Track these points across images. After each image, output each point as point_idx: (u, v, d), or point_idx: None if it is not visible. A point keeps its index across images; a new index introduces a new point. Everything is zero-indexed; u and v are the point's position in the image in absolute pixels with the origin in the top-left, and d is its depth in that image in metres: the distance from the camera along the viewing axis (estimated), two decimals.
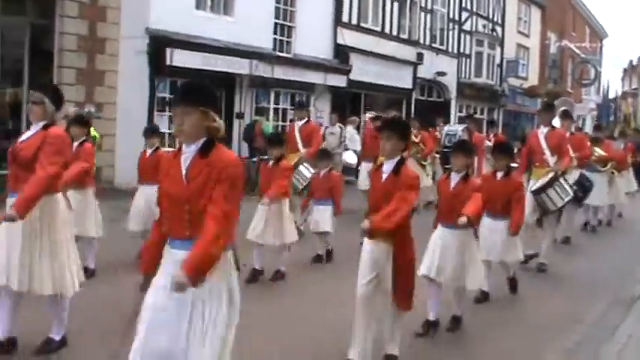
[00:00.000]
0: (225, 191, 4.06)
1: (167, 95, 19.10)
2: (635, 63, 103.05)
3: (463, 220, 6.94)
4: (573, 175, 12.44)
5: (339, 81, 24.61)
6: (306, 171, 11.94)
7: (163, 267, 4.25)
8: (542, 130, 11.51)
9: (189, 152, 4.20)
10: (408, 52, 29.79)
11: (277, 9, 22.73)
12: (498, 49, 38.93)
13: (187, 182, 4.15)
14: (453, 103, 34.27)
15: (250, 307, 4.95)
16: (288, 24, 23.20)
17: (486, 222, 8.47)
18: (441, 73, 32.42)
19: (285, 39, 23.13)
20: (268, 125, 20.85)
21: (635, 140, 27.50)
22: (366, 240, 6.16)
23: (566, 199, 10.72)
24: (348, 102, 25.71)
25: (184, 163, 4.19)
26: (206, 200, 4.07)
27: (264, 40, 21.66)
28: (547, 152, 11.17)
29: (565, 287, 10.01)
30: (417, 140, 16.30)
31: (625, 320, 8.24)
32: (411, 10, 30.50)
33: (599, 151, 15.18)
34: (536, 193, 10.73)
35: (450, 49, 34.20)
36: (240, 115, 21.01)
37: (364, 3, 27.11)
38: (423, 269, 7.22)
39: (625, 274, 11.05)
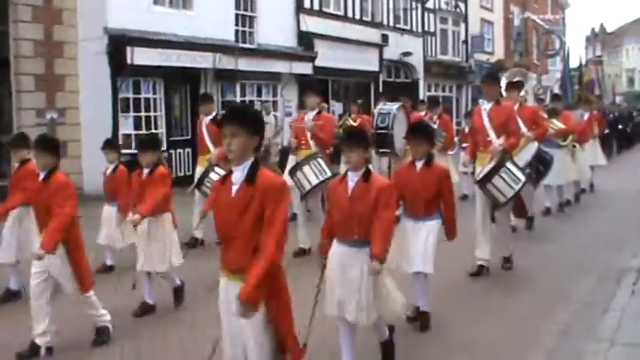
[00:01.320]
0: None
1: (130, 95, 18.73)
2: (597, 31, 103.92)
3: (377, 267, 5.51)
4: (530, 150, 10.98)
5: (304, 68, 24.28)
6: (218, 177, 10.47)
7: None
8: (485, 107, 9.70)
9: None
10: (373, 35, 29.48)
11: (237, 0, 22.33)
12: (463, 26, 38.81)
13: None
14: (421, 82, 34.07)
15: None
16: (250, 14, 22.80)
17: (407, 225, 7.15)
18: (407, 54, 32.18)
19: (247, 29, 22.75)
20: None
21: (600, 108, 27.44)
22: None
23: (518, 188, 8.99)
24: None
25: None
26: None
27: (226, 32, 21.29)
28: (491, 132, 9.45)
29: (551, 267, 9.88)
30: (355, 124, 15.25)
31: (615, 295, 8.16)
32: None
33: (557, 124, 13.90)
34: (481, 183, 9.19)
35: (414, 29, 33.91)
36: None
37: None
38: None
39: (609, 249, 10.93)
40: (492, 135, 9.41)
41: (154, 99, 19.26)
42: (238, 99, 22.16)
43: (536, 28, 51.16)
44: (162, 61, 18.57)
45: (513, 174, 8.98)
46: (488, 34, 43.48)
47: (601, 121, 18.89)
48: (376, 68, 29.68)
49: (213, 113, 11.90)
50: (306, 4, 25.47)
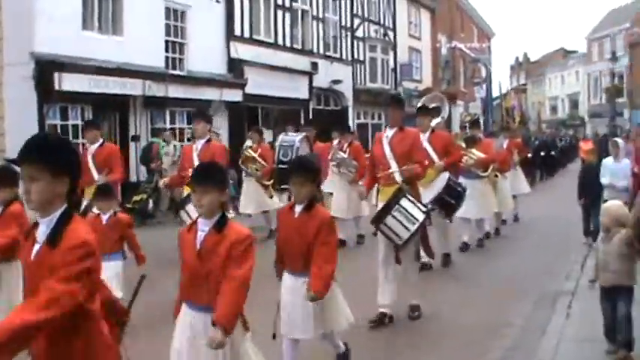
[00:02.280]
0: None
1: (58, 122, 18.41)
2: (521, 60, 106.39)
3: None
4: (440, 182, 10.46)
5: (234, 95, 24.25)
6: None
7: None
8: (388, 134, 8.74)
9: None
10: (303, 62, 29.70)
11: (167, 26, 22.25)
12: (392, 54, 39.29)
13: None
14: (350, 110, 34.30)
15: None
16: (180, 40, 22.75)
17: (287, 281, 5.94)
18: (337, 81, 32.42)
19: (177, 56, 22.69)
20: (164, 146, 20.07)
21: (520, 135, 27.60)
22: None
23: (414, 228, 7.88)
24: (245, 116, 25.31)
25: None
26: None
27: (155, 59, 21.16)
28: (392, 162, 8.47)
29: (487, 292, 9.98)
30: (255, 155, 14.19)
31: (551, 319, 8.29)
32: (303, 19, 30.47)
33: (476, 153, 12.95)
34: (374, 223, 8.17)
35: (344, 57, 34.25)
36: (136, 138, 20.38)
37: (256, 15, 26.86)
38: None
39: (543, 273, 11.13)
40: (394, 165, 8.46)
41: (83, 126, 18.97)
42: (168, 126, 21.96)
43: (463, 57, 52.08)
44: (91, 87, 18.33)
45: (409, 213, 7.81)
46: (417, 62, 44.16)
47: (521, 148, 18.24)
48: (306, 96, 29.81)
49: (100, 140, 10.74)
50: (237, 31, 25.50)
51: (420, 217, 7.95)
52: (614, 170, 12.39)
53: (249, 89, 24.88)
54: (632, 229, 6.57)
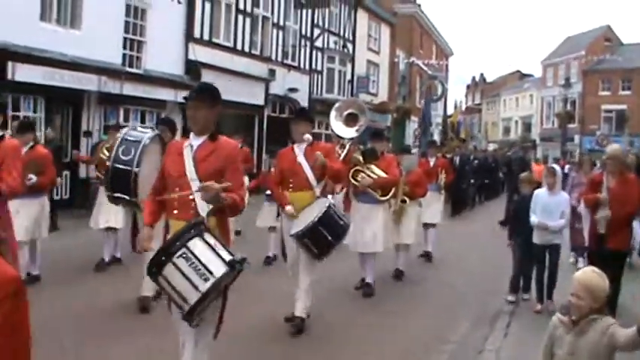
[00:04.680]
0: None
1: (9, 113, 18.14)
2: (477, 79, 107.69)
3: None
4: (318, 206, 8.21)
5: None
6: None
7: None
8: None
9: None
10: (260, 69, 29.77)
11: (127, 23, 22.16)
12: (349, 66, 39.51)
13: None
14: None
15: None
16: (139, 38, 22.66)
17: None
18: (293, 90, 32.54)
19: (135, 54, 22.59)
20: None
21: (454, 152, 26.65)
22: None
23: (207, 288, 4.70)
24: None
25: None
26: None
27: (113, 55, 21.05)
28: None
29: (424, 310, 10.03)
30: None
31: (488, 337, 8.38)
32: (263, 26, 30.58)
33: (375, 171, 10.45)
34: (148, 273, 4.95)
35: (301, 66, 34.42)
36: (88, 134, 20.22)
37: (216, 18, 26.90)
38: None
39: (484, 292, 11.13)
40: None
41: (34, 118, 18.77)
42: (122, 124, 21.80)
43: (420, 73, 52.49)
44: (45, 79, 18.17)
45: (201, 262, 4.73)
46: (374, 75, 44.49)
47: (448, 169, 15.81)
48: (261, 102, 29.89)
49: (31, 143, 9.96)
50: (196, 34, 25.52)
51: (219, 271, 4.72)
52: (547, 205, 9.57)
53: None
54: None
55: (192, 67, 24.91)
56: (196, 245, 4.83)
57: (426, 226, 14.23)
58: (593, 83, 68.31)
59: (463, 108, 48.57)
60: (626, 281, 9.05)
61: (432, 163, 15.37)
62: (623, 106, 63.18)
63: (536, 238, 9.72)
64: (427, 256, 14.28)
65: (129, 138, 8.02)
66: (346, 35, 39.32)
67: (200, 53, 25.17)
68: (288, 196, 8.46)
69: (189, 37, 25.04)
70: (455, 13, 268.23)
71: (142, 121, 22.81)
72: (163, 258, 4.81)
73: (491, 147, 57.78)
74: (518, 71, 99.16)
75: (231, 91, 26.09)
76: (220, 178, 5.15)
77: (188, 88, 23.50)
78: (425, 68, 51.77)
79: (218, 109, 5.42)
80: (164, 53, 23.36)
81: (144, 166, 7.68)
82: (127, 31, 22.15)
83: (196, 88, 5.49)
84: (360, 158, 10.60)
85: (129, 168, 7.70)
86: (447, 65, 65.24)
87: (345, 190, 12.20)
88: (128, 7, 22.12)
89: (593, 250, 8.87)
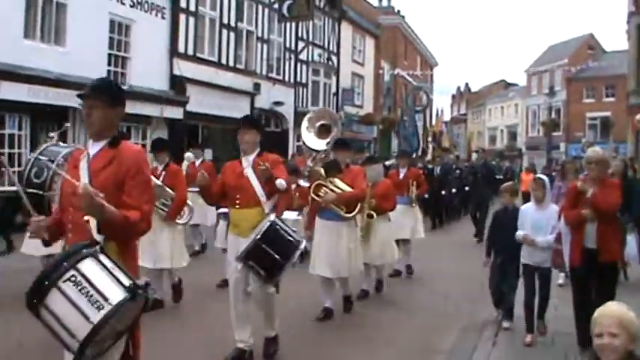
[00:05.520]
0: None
1: None
2: (462, 89, 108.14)
3: None
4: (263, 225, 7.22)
5: (175, 113, 24.27)
6: None
7: None
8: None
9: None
10: (245, 83, 29.83)
11: (111, 39, 22.18)
12: (334, 78, 39.60)
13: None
14: (290, 132, 34.46)
15: None
16: (123, 54, 22.69)
17: None
18: (279, 103, 32.59)
19: (119, 70, 22.60)
20: None
21: (448, 163, 25.73)
22: None
23: (102, 318, 3.70)
24: (185, 134, 25.28)
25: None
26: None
27: (97, 72, 20.84)
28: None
29: (416, 319, 10.02)
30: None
31: (477, 346, 8.37)
32: (248, 40, 30.62)
33: (339, 185, 9.36)
34: (27, 306, 3.82)
35: (286, 79, 34.47)
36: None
37: (200, 33, 26.95)
38: None
39: (472, 302, 11.05)
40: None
41: (19, 135, 18.76)
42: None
43: (405, 84, 52.68)
44: (29, 97, 18.17)
45: (94, 288, 3.77)
46: (359, 87, 44.57)
47: (420, 180, 14.48)
48: None
49: None
50: (181, 49, 25.54)
51: (116, 297, 3.76)
52: (537, 221, 8.52)
53: (190, 107, 24.96)
54: None
55: (177, 82, 24.93)
56: (89, 267, 3.86)
57: (399, 242, 12.83)
58: (578, 91, 68.72)
59: (445, 117, 48.65)
60: (626, 297, 8.01)
61: (402, 174, 14.10)
62: (608, 113, 63.45)
63: (526, 258, 8.57)
64: (408, 269, 13.66)
65: (42, 158, 7.33)
66: (330, 48, 39.41)
67: (185, 68, 25.19)
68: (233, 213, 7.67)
69: (173, 52, 25.05)
70: (439, 23, 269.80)
71: (129, 137, 22.79)
72: (46, 283, 3.75)
73: (474, 156, 57.97)
74: (502, 80, 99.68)
75: (216, 105, 26.29)
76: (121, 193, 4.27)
77: (173, 103, 23.67)
78: (409, 79, 51.98)
79: (120, 111, 4.50)
80: (149, 69, 23.36)
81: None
82: (111, 47, 22.16)
83: (92, 83, 4.47)
84: (322, 171, 9.44)
85: (40, 192, 7.07)
86: (431, 76, 65.54)
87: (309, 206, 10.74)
88: (112, 23, 22.14)
89: (577, 267, 7.73)
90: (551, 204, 8.78)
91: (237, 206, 7.50)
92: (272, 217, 7.25)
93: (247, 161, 7.58)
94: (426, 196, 17.23)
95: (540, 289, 8.57)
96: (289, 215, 12.54)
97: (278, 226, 7.21)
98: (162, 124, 24.01)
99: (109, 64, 22.08)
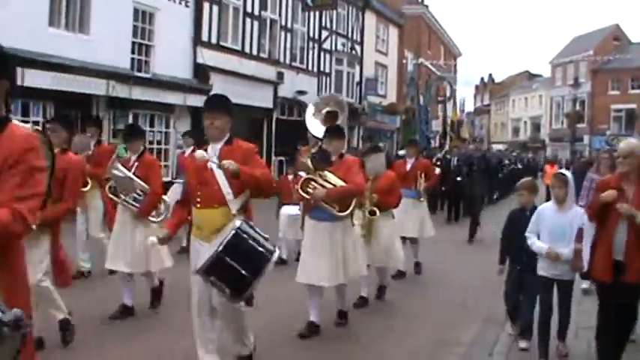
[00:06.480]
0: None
1: (19, 118, 18.19)
2: (486, 80, 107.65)
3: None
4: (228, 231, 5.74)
5: (198, 101, 24.07)
6: None
7: None
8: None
9: None
10: (269, 72, 29.80)
11: (135, 27, 22.21)
12: (357, 68, 39.51)
13: None
14: None
15: None
16: (147, 43, 22.71)
17: None
18: (302, 92, 32.47)
19: (143, 58, 22.64)
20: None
21: (429, 154, 24.29)
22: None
23: None
24: None
25: None
26: None
27: (121, 60, 21.09)
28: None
29: (437, 311, 9.95)
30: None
31: (499, 338, 8.27)
32: (271, 29, 30.58)
33: (331, 179, 7.73)
34: None
35: (310, 68, 34.42)
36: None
37: (224, 22, 26.92)
38: None
39: (494, 294, 10.90)
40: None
41: (44, 123, 18.79)
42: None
43: (428, 74, 52.47)
44: (54, 84, 18.21)
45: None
46: (382, 77, 44.47)
47: (429, 172, 13.24)
48: (270, 105, 29.91)
49: None
50: (204, 37, 25.53)
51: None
52: (556, 226, 7.09)
53: None
54: None
55: (201, 71, 24.94)
56: None
57: (405, 240, 11.79)
58: (603, 83, 68.21)
59: (465, 107, 48.35)
60: None
61: (409, 166, 12.74)
62: (633, 105, 63.04)
63: (542, 270, 7.20)
64: (416, 267, 12.70)
65: None
66: (354, 37, 39.30)
67: (208, 57, 25.20)
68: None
69: (197, 40, 25.06)
70: (463, 13, 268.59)
71: (151, 125, 22.87)
72: None
73: (496, 148, 57.73)
74: (526, 71, 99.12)
75: (239, 94, 26.18)
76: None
77: (196, 91, 23.67)
78: (433, 69, 51.73)
79: (4, 84, 3.37)
80: (172, 57, 23.40)
81: None
82: (135, 35, 22.21)
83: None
84: (309, 163, 7.83)
85: None
86: (455, 66, 65.21)
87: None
88: (136, 11, 22.19)
89: (606, 283, 6.28)
90: (574, 205, 7.26)
91: (198, 205, 6.17)
92: (238, 222, 5.75)
93: (213, 150, 6.19)
94: (443, 188, 16.43)
95: (560, 304, 7.30)
96: (290, 210, 12.44)
97: (245, 234, 5.68)
98: (186, 112, 24.02)
99: (133, 53, 22.11)
